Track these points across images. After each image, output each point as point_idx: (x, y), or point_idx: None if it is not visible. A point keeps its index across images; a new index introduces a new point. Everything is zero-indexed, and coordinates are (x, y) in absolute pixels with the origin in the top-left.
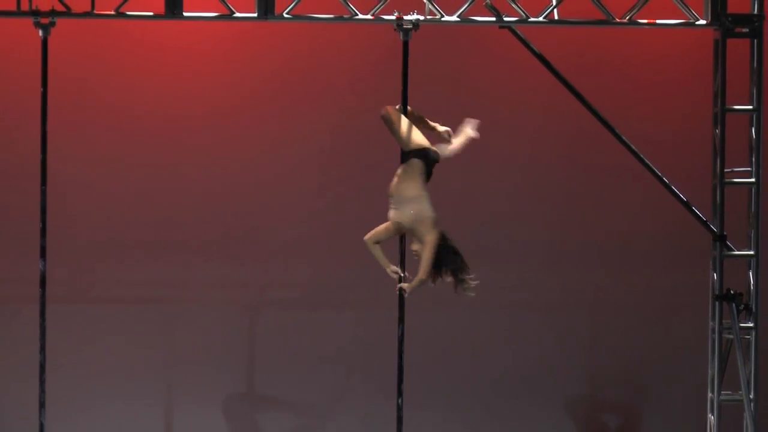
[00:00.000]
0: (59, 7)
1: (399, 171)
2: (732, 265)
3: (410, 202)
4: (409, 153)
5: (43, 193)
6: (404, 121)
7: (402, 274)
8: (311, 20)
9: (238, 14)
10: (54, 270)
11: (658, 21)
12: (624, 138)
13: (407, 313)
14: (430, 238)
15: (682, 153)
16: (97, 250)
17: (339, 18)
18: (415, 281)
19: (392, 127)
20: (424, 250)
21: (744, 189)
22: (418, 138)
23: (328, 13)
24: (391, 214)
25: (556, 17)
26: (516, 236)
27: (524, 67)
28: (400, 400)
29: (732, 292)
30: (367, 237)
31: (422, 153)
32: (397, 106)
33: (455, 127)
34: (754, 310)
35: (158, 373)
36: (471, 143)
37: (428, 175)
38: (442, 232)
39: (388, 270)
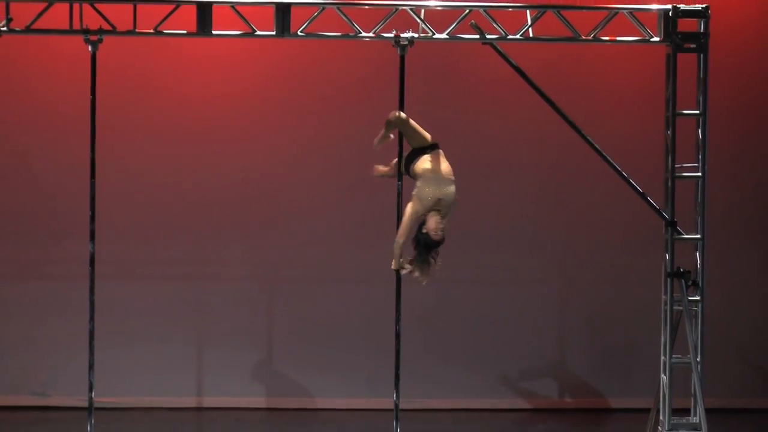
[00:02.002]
0: (106, 26)
1: (428, 157)
2: (681, 247)
3: (449, 180)
4: (427, 146)
5: (92, 185)
6: (412, 123)
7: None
8: (321, 37)
9: (259, 32)
10: (101, 251)
11: (618, 38)
12: (589, 138)
13: (403, 288)
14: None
15: (639, 151)
16: (138, 234)
17: (345, 35)
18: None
19: (407, 128)
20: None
21: (692, 182)
22: (427, 133)
23: (336, 31)
24: (430, 191)
25: (531, 35)
26: (500, 224)
27: (504, 77)
28: (397, 360)
29: (682, 270)
30: (401, 238)
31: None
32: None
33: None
34: (700, 285)
35: (190, 340)
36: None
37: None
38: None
39: (400, 267)
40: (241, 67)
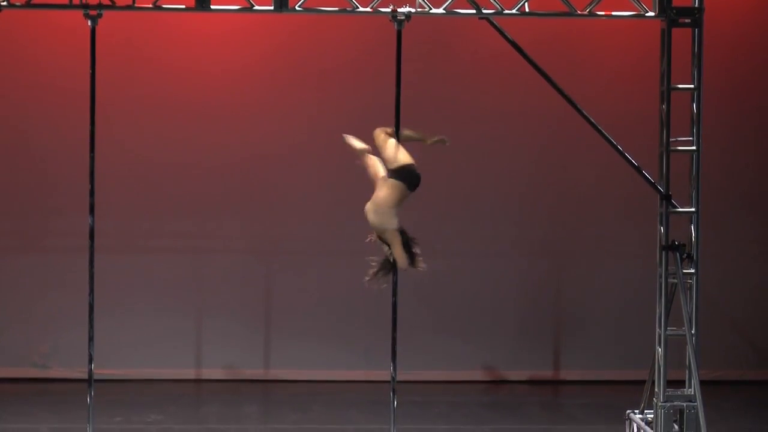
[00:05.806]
0: (105, 1)
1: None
2: (676, 220)
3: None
4: (393, 171)
5: (92, 159)
6: (391, 143)
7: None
8: (319, 12)
9: (257, 7)
10: (101, 225)
11: (613, 13)
12: (585, 113)
13: None
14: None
15: (634, 125)
16: (137, 208)
17: (343, 10)
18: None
19: (379, 148)
20: (394, 249)
21: (686, 156)
22: (402, 157)
23: (333, 6)
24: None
25: (527, 10)
26: (496, 197)
27: (500, 52)
28: (394, 333)
29: (676, 243)
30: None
31: (404, 172)
32: (389, 130)
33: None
34: (694, 258)
35: (189, 312)
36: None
37: (415, 187)
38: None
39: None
40: (240, 42)
